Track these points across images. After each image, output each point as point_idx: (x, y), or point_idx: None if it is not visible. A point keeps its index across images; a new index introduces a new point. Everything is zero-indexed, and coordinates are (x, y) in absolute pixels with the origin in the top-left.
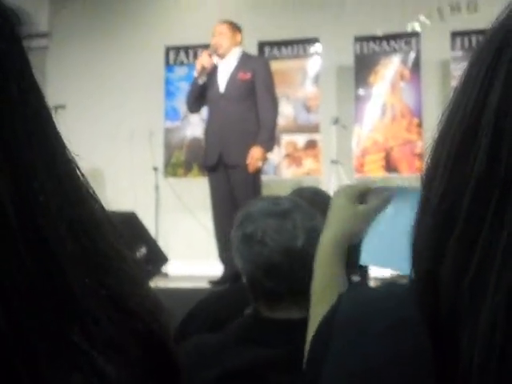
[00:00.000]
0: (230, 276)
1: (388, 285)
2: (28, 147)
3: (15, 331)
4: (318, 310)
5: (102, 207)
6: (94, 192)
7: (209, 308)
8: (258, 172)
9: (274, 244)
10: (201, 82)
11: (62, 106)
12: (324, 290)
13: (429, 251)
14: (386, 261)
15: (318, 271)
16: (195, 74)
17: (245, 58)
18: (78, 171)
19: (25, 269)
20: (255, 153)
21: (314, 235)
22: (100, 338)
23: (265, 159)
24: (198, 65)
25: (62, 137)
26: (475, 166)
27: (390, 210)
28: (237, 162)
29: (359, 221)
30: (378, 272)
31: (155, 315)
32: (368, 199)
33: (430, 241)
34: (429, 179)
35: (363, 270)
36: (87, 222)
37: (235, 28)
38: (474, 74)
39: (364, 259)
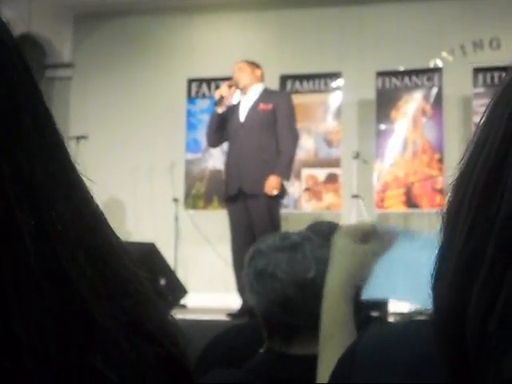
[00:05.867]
0: (249, 309)
1: (408, 321)
2: (45, 177)
3: (37, 363)
4: (327, 351)
5: (116, 235)
6: (107, 221)
7: (228, 341)
8: (276, 202)
9: (286, 277)
10: (220, 111)
11: (85, 137)
12: (333, 331)
13: (453, 292)
14: (399, 293)
15: (326, 313)
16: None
17: (267, 92)
18: (93, 198)
19: (45, 300)
20: (271, 181)
21: (324, 265)
22: (121, 363)
23: (280, 188)
24: (217, 94)
25: (79, 166)
26: (501, 207)
27: (397, 248)
28: (255, 192)
29: (365, 261)
30: (397, 307)
31: (174, 339)
32: (371, 238)
33: (454, 282)
34: (451, 218)
35: (382, 305)
36: (103, 248)
37: (254, 65)
38: (499, 114)
39: (376, 293)
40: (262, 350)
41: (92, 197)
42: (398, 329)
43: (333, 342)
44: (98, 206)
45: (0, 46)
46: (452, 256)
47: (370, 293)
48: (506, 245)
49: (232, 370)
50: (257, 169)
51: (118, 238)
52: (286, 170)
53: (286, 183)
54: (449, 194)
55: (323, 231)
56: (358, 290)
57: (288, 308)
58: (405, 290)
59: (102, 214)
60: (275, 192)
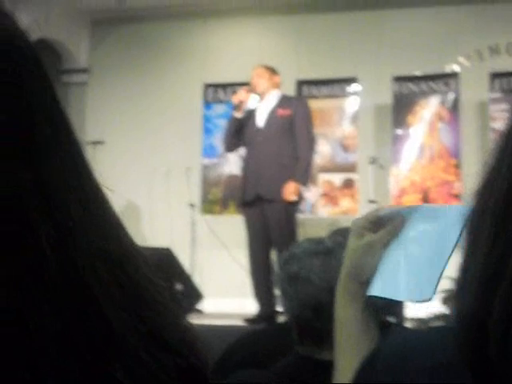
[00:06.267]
0: (265, 314)
1: (430, 328)
2: (64, 186)
3: (57, 374)
4: (340, 352)
5: (134, 242)
6: (125, 227)
7: (248, 347)
8: (293, 207)
9: (319, 282)
10: (238, 116)
11: (101, 142)
12: (341, 331)
13: (476, 300)
14: (400, 292)
15: (335, 313)
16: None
17: (284, 98)
18: (111, 206)
19: (64, 310)
20: (289, 187)
21: None
22: (142, 374)
23: (299, 194)
24: (236, 99)
25: (95, 172)
26: None
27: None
28: (273, 197)
29: (364, 254)
30: (414, 312)
31: (194, 349)
32: (380, 227)
33: (478, 290)
34: (474, 227)
35: (398, 310)
36: (122, 257)
37: (272, 71)
38: None
39: (379, 291)
40: (293, 353)
41: (110, 205)
42: (420, 336)
43: (343, 343)
44: (116, 213)
45: (18, 54)
46: (475, 264)
47: (375, 290)
48: None
49: (259, 370)
50: (275, 174)
51: (137, 246)
52: (305, 175)
53: (302, 188)
54: (471, 203)
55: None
56: (365, 286)
57: (320, 313)
58: (408, 287)
59: (121, 222)
60: (294, 198)
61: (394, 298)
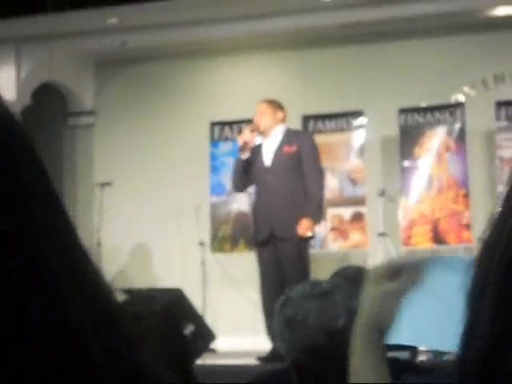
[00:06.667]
0: (279, 352)
1: (437, 374)
2: (59, 264)
3: None
4: None
5: (131, 322)
6: (113, 292)
7: None
8: (306, 243)
9: (316, 325)
10: (244, 157)
11: (109, 184)
12: (361, 380)
13: (488, 340)
14: (425, 339)
15: (352, 362)
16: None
17: (289, 133)
18: (100, 273)
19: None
20: (304, 224)
21: (355, 314)
22: None
23: (313, 231)
24: (240, 141)
25: (104, 213)
26: None
27: (429, 283)
28: (287, 235)
29: (388, 301)
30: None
31: None
32: (400, 276)
33: (491, 329)
34: (476, 296)
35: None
36: (119, 341)
37: (276, 106)
38: None
39: (402, 338)
40: None
41: (101, 275)
42: None
43: None
44: (115, 295)
45: (4, 131)
46: (488, 301)
47: (395, 338)
48: None
49: None
50: (286, 212)
51: (133, 326)
52: (318, 212)
53: (315, 225)
54: (484, 239)
55: (352, 276)
56: (383, 334)
57: (318, 356)
58: (431, 334)
59: (119, 306)
60: (309, 234)
61: (420, 346)
